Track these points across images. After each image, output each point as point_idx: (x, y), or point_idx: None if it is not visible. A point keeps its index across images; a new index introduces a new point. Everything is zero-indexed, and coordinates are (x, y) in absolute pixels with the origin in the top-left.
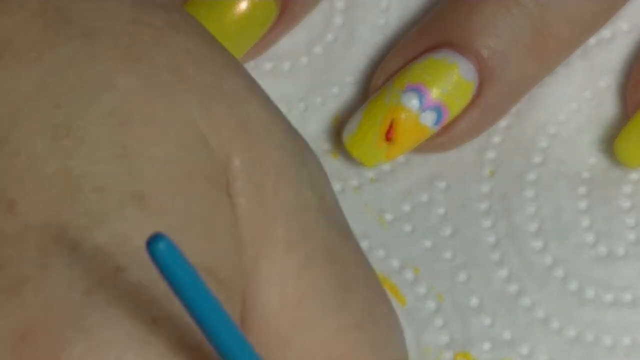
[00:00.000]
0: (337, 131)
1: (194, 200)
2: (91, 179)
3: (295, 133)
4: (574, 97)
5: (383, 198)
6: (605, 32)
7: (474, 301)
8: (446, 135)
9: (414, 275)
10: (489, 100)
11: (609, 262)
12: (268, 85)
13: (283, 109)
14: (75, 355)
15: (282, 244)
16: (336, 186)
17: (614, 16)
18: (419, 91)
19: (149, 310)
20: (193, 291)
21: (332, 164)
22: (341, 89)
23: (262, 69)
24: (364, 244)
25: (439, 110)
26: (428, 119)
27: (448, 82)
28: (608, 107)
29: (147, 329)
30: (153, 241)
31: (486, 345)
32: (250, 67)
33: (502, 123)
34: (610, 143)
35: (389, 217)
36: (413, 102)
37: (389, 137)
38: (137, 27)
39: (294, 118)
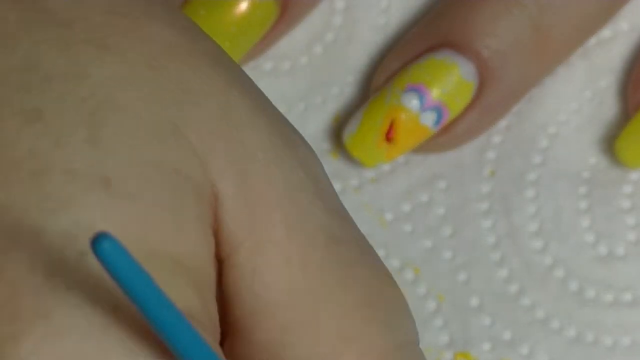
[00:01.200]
0: (337, 131)
1: (162, 190)
2: (59, 162)
3: (283, 118)
4: (574, 97)
5: (383, 198)
6: (605, 32)
7: (474, 301)
8: (446, 136)
9: (414, 275)
10: (489, 101)
11: (609, 262)
12: (268, 85)
13: (283, 109)
14: (34, 340)
15: (281, 227)
16: (336, 186)
17: (614, 16)
18: (419, 91)
19: (110, 296)
20: (142, 290)
21: (332, 164)
22: (341, 89)
23: (262, 69)
24: None
25: (439, 110)
26: (428, 119)
27: (448, 82)
28: (608, 107)
29: (108, 316)
30: (97, 241)
31: (486, 345)
32: (250, 67)
33: (502, 123)
34: (610, 143)
35: (389, 217)
36: (413, 102)
37: (389, 137)
38: (113, 18)
39: (294, 118)
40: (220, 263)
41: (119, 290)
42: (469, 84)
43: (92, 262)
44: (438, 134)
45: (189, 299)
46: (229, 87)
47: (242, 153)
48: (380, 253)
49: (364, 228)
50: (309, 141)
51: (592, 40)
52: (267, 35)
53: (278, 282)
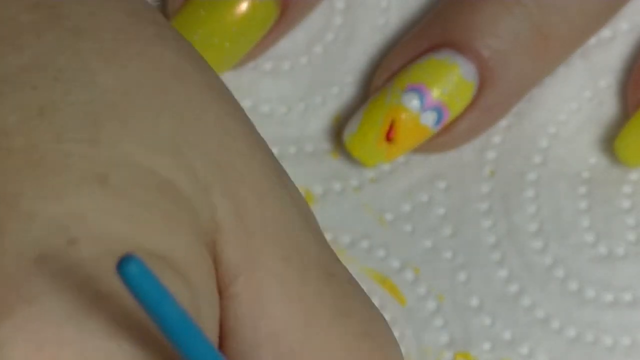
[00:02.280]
0: (337, 131)
1: (156, 196)
2: (57, 156)
3: (274, 157)
4: (574, 97)
5: (383, 198)
6: (605, 32)
7: (474, 301)
8: (447, 136)
9: (414, 275)
10: (490, 101)
11: (609, 262)
12: (268, 85)
13: (283, 109)
14: (14, 323)
15: (278, 259)
16: (336, 186)
17: (614, 16)
18: (419, 91)
19: (94, 285)
20: (166, 312)
21: (332, 164)
22: (341, 89)
23: (262, 69)
24: (364, 244)
25: (439, 110)
26: (429, 119)
27: (449, 82)
28: (608, 107)
29: (90, 303)
30: (123, 262)
31: (486, 345)
32: (250, 67)
33: (502, 123)
34: (610, 143)
35: (389, 217)
36: (414, 102)
37: (389, 137)
38: (125, 35)
39: (294, 118)
40: (220, 294)
41: (103, 279)
42: (469, 84)
43: (80, 250)
44: (438, 134)
45: (184, 298)
46: (229, 118)
47: (241, 185)
48: (380, 253)
49: (364, 228)
50: (309, 141)
51: (592, 40)
52: (267, 35)
53: (276, 313)
